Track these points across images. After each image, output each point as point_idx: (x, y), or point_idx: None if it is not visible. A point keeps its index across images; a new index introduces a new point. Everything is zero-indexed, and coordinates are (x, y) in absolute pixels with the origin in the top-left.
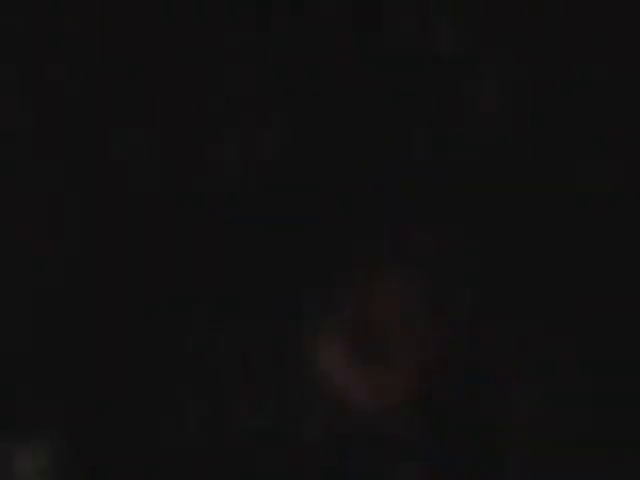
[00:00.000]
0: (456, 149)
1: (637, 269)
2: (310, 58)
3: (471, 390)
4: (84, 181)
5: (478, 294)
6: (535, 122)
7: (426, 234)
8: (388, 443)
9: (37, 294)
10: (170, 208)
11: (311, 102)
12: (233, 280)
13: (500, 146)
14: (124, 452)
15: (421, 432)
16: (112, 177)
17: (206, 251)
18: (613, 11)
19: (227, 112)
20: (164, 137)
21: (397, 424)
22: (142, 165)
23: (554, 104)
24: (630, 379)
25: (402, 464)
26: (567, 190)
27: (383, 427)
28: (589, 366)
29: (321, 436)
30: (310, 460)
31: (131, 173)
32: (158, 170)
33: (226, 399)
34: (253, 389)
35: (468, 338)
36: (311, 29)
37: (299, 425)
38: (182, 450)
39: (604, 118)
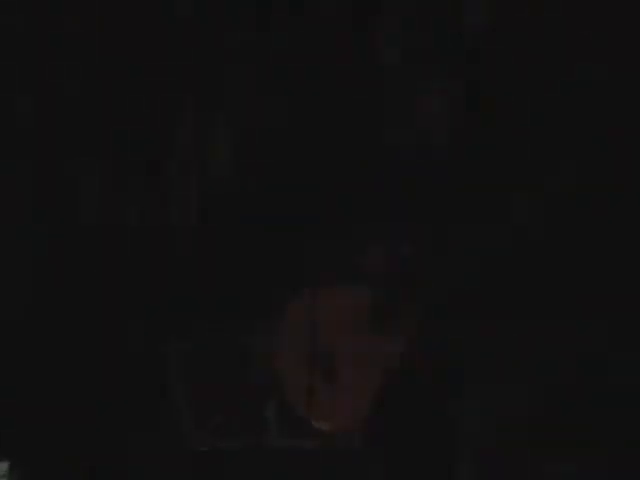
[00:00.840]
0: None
1: (637, 269)
2: (310, 58)
3: (421, 404)
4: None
5: (476, 294)
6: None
7: (378, 250)
8: (341, 459)
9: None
10: (168, 209)
11: (311, 102)
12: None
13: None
14: (99, 463)
15: (373, 448)
16: (112, 178)
17: (205, 252)
18: (613, 11)
19: (225, 112)
20: (163, 134)
21: (349, 441)
22: (143, 163)
23: (552, 103)
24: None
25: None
26: (566, 190)
27: (337, 443)
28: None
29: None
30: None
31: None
32: (158, 169)
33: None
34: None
35: (418, 352)
36: (311, 29)
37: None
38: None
39: (604, 118)
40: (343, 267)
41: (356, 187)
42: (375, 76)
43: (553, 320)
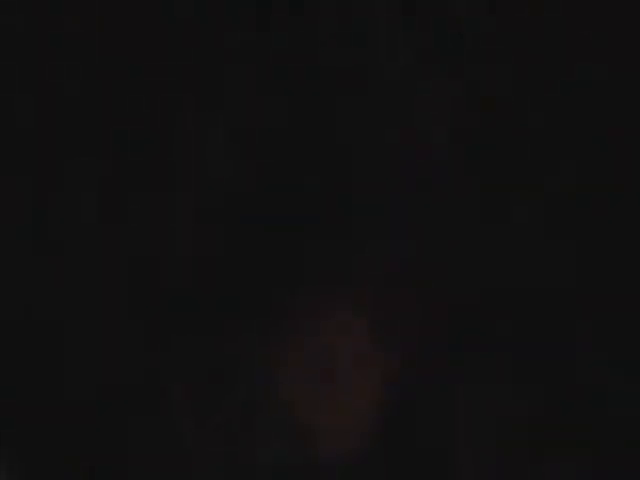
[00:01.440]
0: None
1: (637, 269)
2: (310, 58)
3: (421, 404)
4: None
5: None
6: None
7: (377, 250)
8: (341, 459)
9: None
10: (167, 208)
11: (311, 102)
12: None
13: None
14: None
15: (373, 448)
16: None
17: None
18: (613, 11)
19: (225, 112)
20: (163, 135)
21: (351, 451)
22: (143, 163)
23: (553, 104)
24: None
25: None
26: (566, 190)
27: (337, 443)
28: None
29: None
30: None
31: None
32: (156, 168)
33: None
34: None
35: (419, 362)
36: (311, 29)
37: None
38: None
39: (604, 118)
40: (343, 267)
41: (356, 187)
42: (375, 76)
43: (553, 320)
